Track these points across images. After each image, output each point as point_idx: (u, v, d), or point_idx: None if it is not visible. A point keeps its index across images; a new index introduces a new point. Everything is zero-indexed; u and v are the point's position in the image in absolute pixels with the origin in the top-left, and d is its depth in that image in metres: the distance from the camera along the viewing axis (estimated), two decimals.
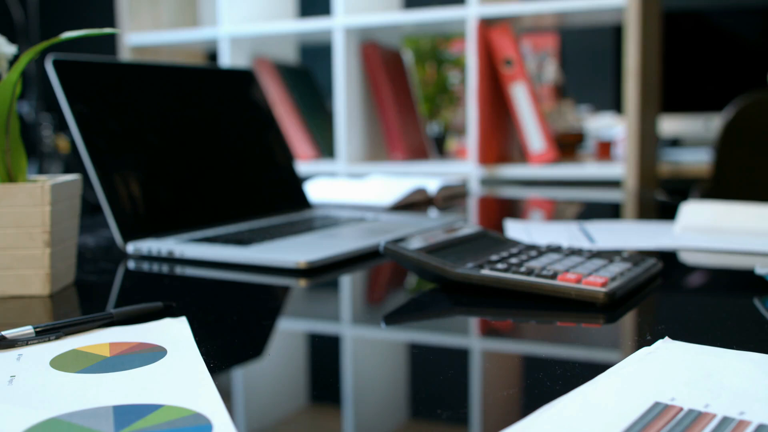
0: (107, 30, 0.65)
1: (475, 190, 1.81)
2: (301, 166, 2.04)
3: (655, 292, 0.66)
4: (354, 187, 1.39)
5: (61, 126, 3.07)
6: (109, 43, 2.51)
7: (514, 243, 0.75)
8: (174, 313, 0.57)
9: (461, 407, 0.41)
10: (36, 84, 3.12)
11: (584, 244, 0.85)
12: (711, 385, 0.40)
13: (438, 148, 2.36)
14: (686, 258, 0.82)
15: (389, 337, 0.58)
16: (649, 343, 0.47)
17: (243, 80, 1.12)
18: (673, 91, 2.28)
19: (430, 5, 2.05)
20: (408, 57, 2.27)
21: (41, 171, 2.98)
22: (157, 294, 0.67)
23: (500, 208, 1.42)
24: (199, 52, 2.49)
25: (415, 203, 1.34)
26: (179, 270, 0.77)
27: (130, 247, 0.83)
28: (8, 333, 0.48)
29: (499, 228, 1.01)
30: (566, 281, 0.60)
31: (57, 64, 0.84)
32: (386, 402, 0.43)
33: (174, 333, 0.52)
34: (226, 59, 2.14)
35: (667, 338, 0.48)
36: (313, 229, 0.93)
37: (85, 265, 0.78)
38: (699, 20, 2.45)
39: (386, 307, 0.70)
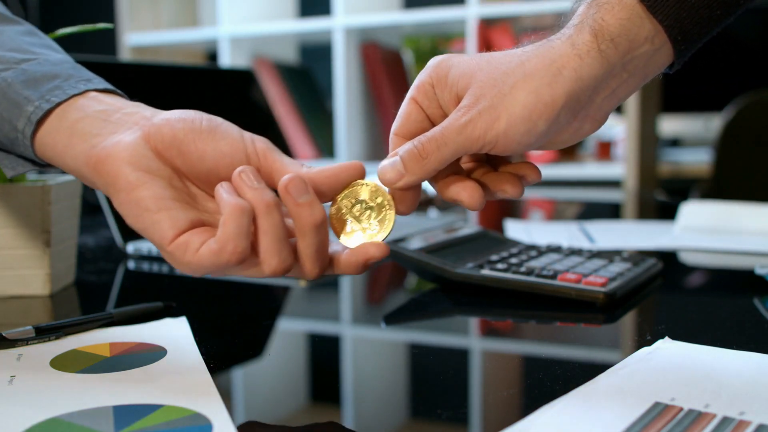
0: (101, 25, 0.65)
1: None
2: None
3: (655, 292, 0.66)
4: None
5: None
6: (109, 43, 2.51)
7: (514, 243, 0.75)
8: (174, 313, 0.57)
9: (461, 407, 0.41)
10: None
11: (584, 244, 0.85)
12: (711, 385, 0.40)
13: None
14: (686, 258, 0.82)
15: (389, 337, 0.58)
16: (649, 343, 0.47)
17: (243, 80, 1.12)
18: (673, 91, 2.28)
19: (430, 5, 2.05)
20: (408, 57, 2.27)
21: (41, 171, 2.98)
22: (157, 294, 0.67)
23: (500, 208, 1.42)
24: (199, 52, 2.49)
25: None
26: (179, 270, 0.77)
27: (130, 247, 0.83)
28: (8, 333, 0.48)
29: (499, 228, 1.01)
30: (566, 281, 0.60)
31: None
32: (386, 402, 0.43)
33: (174, 333, 0.52)
34: (226, 59, 2.14)
35: (667, 338, 0.48)
36: None
37: (85, 265, 0.78)
38: None
39: (386, 307, 0.70)
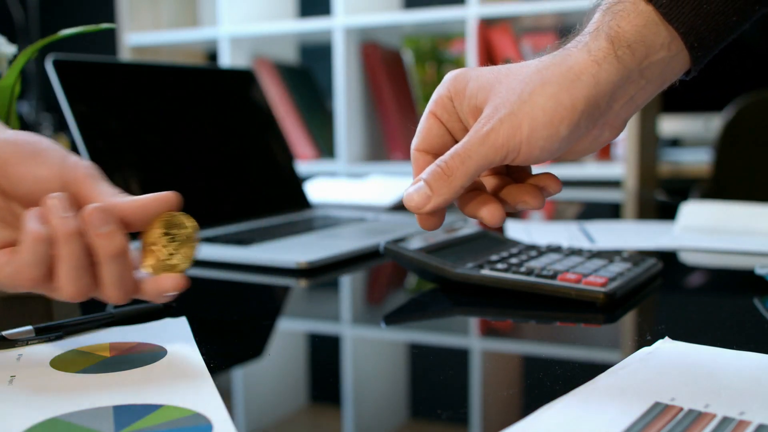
0: (104, 25, 0.65)
1: None
2: (301, 166, 2.03)
3: (655, 292, 0.66)
4: (354, 187, 1.39)
5: (61, 126, 3.07)
6: (109, 43, 2.51)
7: (514, 243, 0.75)
8: (174, 313, 0.57)
9: (461, 407, 0.41)
10: (36, 84, 3.12)
11: (584, 244, 0.85)
12: (711, 385, 0.40)
13: None
14: (686, 258, 0.82)
15: (389, 337, 0.58)
16: (649, 343, 0.47)
17: (243, 80, 1.12)
18: (673, 91, 2.27)
19: (430, 5, 2.05)
20: (408, 57, 2.27)
21: None
22: None
23: None
24: (199, 52, 2.49)
25: None
26: None
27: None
28: (8, 333, 0.48)
29: (499, 228, 1.01)
30: (566, 281, 0.60)
31: (57, 64, 0.84)
32: (386, 402, 0.43)
33: (174, 333, 0.52)
34: (226, 59, 2.14)
35: (667, 338, 0.48)
36: (313, 229, 0.93)
37: None
38: None
39: (386, 307, 0.70)
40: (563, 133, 0.43)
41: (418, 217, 0.47)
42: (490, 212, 0.46)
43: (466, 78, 0.47)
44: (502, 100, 0.44)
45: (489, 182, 0.49)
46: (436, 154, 0.46)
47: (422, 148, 0.48)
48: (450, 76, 0.48)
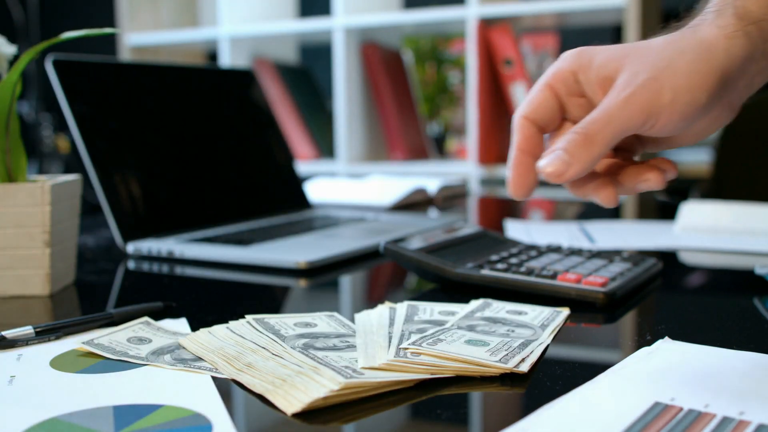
0: (107, 30, 0.65)
1: (475, 190, 1.81)
2: (301, 166, 2.03)
3: (655, 292, 0.66)
4: (354, 187, 1.39)
5: (61, 126, 3.07)
6: (109, 43, 2.51)
7: (514, 243, 0.75)
8: (174, 313, 0.57)
9: (461, 407, 0.41)
10: (36, 84, 3.12)
11: (584, 244, 0.85)
12: (711, 385, 0.40)
13: (438, 148, 2.36)
14: (686, 258, 0.82)
15: None
16: (649, 343, 0.47)
17: (243, 80, 1.12)
18: None
19: (430, 5, 2.05)
20: (408, 57, 2.27)
21: (41, 171, 2.99)
22: (157, 294, 0.67)
23: (500, 208, 1.42)
24: (199, 52, 2.49)
25: (415, 203, 1.34)
26: (179, 270, 0.77)
27: (130, 247, 0.83)
28: (8, 333, 0.48)
29: (499, 228, 1.01)
30: (566, 281, 0.60)
31: (57, 64, 0.84)
32: (386, 402, 0.43)
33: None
34: (226, 59, 2.14)
35: (667, 338, 0.48)
36: (313, 229, 0.93)
37: (85, 265, 0.78)
38: None
39: None
40: (703, 100, 0.43)
41: (511, 183, 0.46)
42: (605, 193, 0.46)
43: (592, 52, 0.46)
44: (639, 67, 0.44)
45: (602, 164, 0.48)
46: (540, 126, 0.46)
47: (531, 116, 0.47)
48: (572, 51, 0.47)
